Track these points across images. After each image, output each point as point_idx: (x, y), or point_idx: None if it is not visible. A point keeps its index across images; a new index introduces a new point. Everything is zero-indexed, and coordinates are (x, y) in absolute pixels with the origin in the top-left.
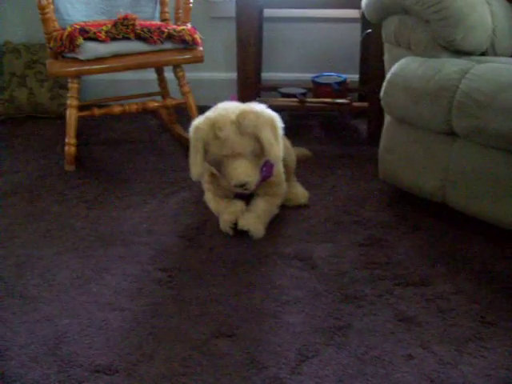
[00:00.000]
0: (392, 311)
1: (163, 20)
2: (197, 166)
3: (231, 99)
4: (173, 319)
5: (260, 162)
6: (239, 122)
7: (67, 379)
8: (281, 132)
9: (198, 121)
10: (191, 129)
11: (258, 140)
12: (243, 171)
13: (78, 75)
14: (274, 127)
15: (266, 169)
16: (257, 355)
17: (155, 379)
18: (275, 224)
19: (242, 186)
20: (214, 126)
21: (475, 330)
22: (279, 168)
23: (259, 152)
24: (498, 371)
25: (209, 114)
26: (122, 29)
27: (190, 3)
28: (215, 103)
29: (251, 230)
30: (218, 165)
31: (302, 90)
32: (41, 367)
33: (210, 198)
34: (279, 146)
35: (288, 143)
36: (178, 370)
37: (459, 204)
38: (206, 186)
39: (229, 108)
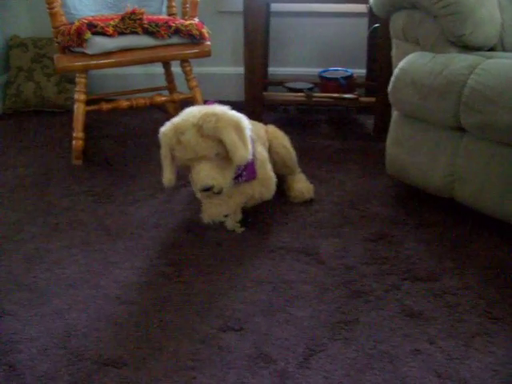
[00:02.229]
0: (399, 306)
1: (170, 14)
2: (167, 173)
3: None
4: (181, 313)
5: (232, 165)
6: (200, 125)
7: (76, 372)
8: (248, 133)
9: (164, 127)
10: (160, 134)
11: (222, 143)
12: (207, 174)
13: (85, 70)
14: (238, 128)
15: (248, 170)
16: (264, 349)
17: (163, 373)
18: (282, 219)
19: (208, 189)
20: (176, 130)
21: (482, 325)
22: (264, 169)
23: (226, 155)
24: (505, 366)
25: (174, 119)
26: (130, 23)
27: None
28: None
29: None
30: (187, 170)
31: (309, 85)
32: (50, 360)
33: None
34: (245, 148)
35: (285, 139)
36: (186, 363)
37: (467, 199)
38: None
39: (193, 112)
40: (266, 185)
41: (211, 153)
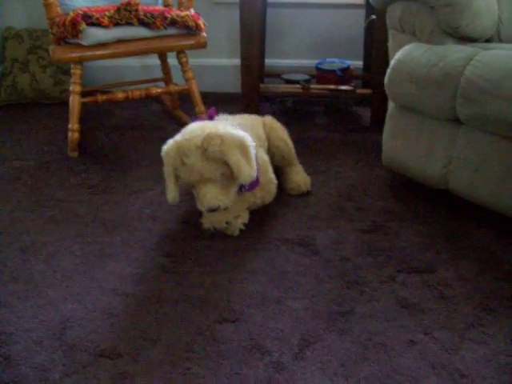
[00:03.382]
0: (394, 297)
1: (166, 5)
2: (171, 191)
3: (209, 114)
4: (176, 304)
5: (235, 181)
6: (204, 148)
7: (72, 363)
8: (252, 151)
9: (167, 145)
10: (162, 152)
11: (226, 163)
12: (213, 196)
13: (80, 61)
14: (242, 148)
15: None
16: (260, 341)
17: (159, 364)
18: (278, 210)
19: (214, 210)
20: (180, 151)
21: (477, 316)
22: (265, 174)
23: (230, 174)
24: (499, 357)
25: (177, 137)
26: (125, 14)
27: None
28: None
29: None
30: (191, 188)
31: (306, 77)
32: (45, 351)
33: None
34: (250, 167)
35: (283, 131)
36: (181, 354)
37: (463, 191)
38: None
39: (195, 131)
40: (267, 189)
41: (216, 175)
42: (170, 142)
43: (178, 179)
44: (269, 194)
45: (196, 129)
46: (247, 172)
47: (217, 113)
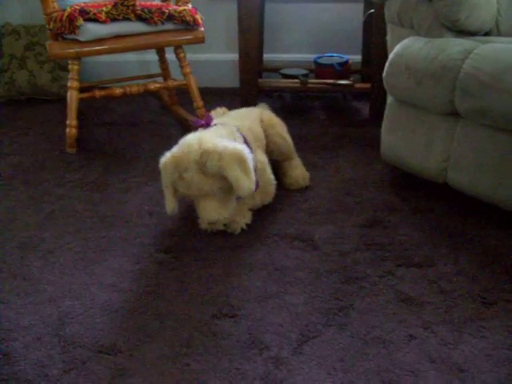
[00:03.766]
0: (394, 292)
1: (164, 0)
2: (169, 202)
3: (205, 121)
4: (175, 300)
5: (233, 194)
6: (203, 164)
7: (70, 359)
8: (250, 163)
9: (165, 157)
10: (160, 164)
11: (225, 177)
12: (213, 210)
13: (78, 57)
14: (241, 162)
15: None
16: (259, 336)
17: (158, 359)
18: (277, 205)
19: (214, 223)
20: (178, 165)
21: (476, 310)
22: (264, 176)
23: (229, 186)
24: (498, 351)
25: (174, 149)
26: (123, 9)
27: None
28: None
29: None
30: (190, 199)
31: (304, 71)
32: (44, 347)
33: None
34: (250, 180)
35: (282, 127)
36: (180, 350)
37: (461, 185)
38: None
39: (193, 145)
40: (266, 190)
41: (215, 189)
42: (168, 156)
43: (176, 191)
44: (268, 194)
45: (193, 143)
46: (246, 186)
47: (212, 119)
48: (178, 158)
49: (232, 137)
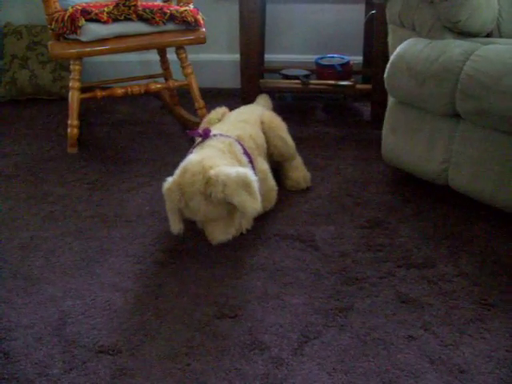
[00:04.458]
0: (394, 293)
1: (165, 1)
2: (175, 224)
3: (203, 133)
4: (176, 300)
5: (239, 212)
6: (208, 194)
7: (71, 359)
8: (255, 185)
9: (168, 183)
10: (164, 189)
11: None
12: (221, 233)
13: (79, 57)
14: (246, 186)
15: None
16: (259, 336)
17: (158, 359)
18: (278, 206)
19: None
20: (182, 193)
21: (476, 311)
22: (266, 183)
23: (235, 207)
24: (498, 352)
25: (177, 176)
26: (124, 10)
27: None
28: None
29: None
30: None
31: (305, 72)
32: (45, 347)
33: None
34: (255, 201)
35: (282, 128)
36: (180, 350)
37: (462, 187)
38: None
39: (196, 174)
40: (267, 197)
41: (221, 215)
42: (171, 182)
43: (181, 213)
44: (269, 201)
45: (196, 171)
46: (252, 208)
47: (210, 132)
48: (182, 187)
49: (232, 151)
